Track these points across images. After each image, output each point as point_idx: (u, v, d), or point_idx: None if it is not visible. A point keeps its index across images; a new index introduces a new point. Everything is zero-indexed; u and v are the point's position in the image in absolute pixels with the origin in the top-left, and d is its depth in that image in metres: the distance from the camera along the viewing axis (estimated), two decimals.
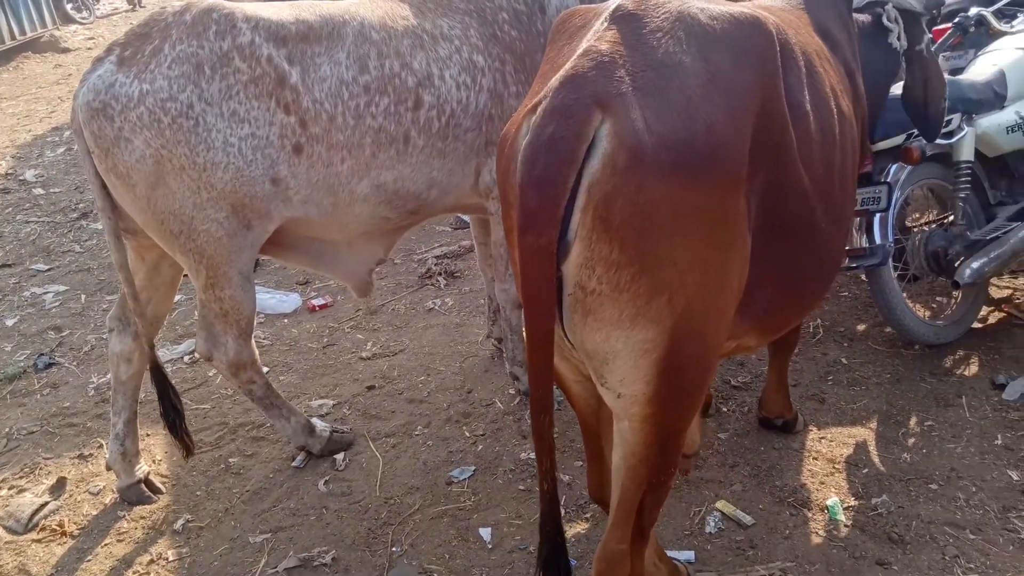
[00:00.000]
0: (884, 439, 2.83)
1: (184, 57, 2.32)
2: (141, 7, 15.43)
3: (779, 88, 1.72)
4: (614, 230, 1.46)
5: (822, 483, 2.66)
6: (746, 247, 1.65)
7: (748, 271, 1.68)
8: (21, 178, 6.70)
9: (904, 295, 3.21)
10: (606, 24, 1.60)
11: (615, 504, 1.78)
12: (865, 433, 2.87)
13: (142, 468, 2.93)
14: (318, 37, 2.46)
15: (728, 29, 1.65)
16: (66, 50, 12.30)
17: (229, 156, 2.35)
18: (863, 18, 2.61)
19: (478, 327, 3.85)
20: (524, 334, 1.61)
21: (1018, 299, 3.60)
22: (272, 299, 4.30)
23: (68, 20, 13.88)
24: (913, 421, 2.91)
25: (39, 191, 6.39)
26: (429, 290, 4.35)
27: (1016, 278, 3.75)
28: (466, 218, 4.99)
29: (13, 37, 11.51)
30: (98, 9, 15.13)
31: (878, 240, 3.02)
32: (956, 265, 3.13)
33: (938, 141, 3.07)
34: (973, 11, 3.46)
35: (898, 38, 2.62)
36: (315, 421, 3.05)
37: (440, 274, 4.45)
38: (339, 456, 3.02)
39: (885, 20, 2.60)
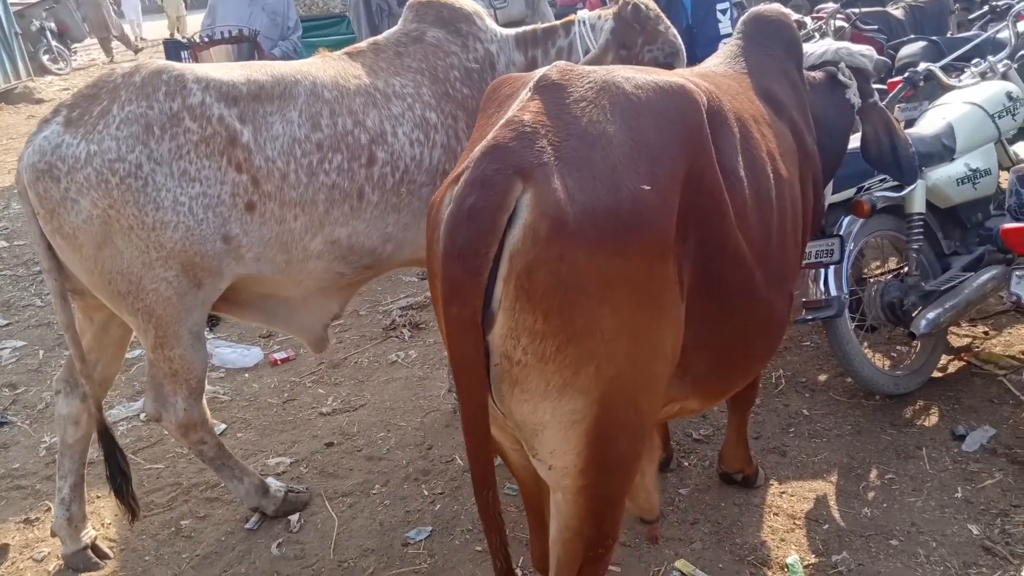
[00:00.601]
0: (845, 493, 2.81)
1: (133, 118, 2.31)
2: (115, 60, 15.52)
3: (709, 153, 1.72)
4: (537, 300, 1.44)
5: (783, 540, 2.62)
6: (678, 312, 1.64)
7: (683, 335, 1.66)
8: None
9: (863, 345, 3.22)
10: (530, 94, 1.60)
11: None
12: (826, 487, 2.85)
13: (89, 533, 2.84)
14: (270, 96, 2.47)
15: (652, 98, 1.67)
16: (40, 101, 12.32)
17: (179, 215, 2.33)
18: (816, 75, 2.67)
19: (440, 380, 3.81)
20: (459, 407, 1.58)
21: (977, 347, 3.62)
22: (233, 353, 4.24)
23: (44, 71, 13.95)
24: (874, 474, 2.89)
25: (2, 243, 6.32)
26: (393, 342, 4.31)
27: (975, 326, 3.78)
28: None
29: None
30: (74, 61, 15.22)
31: (833, 292, 3.04)
32: (913, 316, 3.15)
33: (889, 194, 3.12)
34: (922, 66, 3.55)
35: (854, 94, 2.68)
36: (270, 481, 2.98)
37: (404, 326, 4.42)
38: (294, 517, 2.95)
39: (841, 76, 2.66)
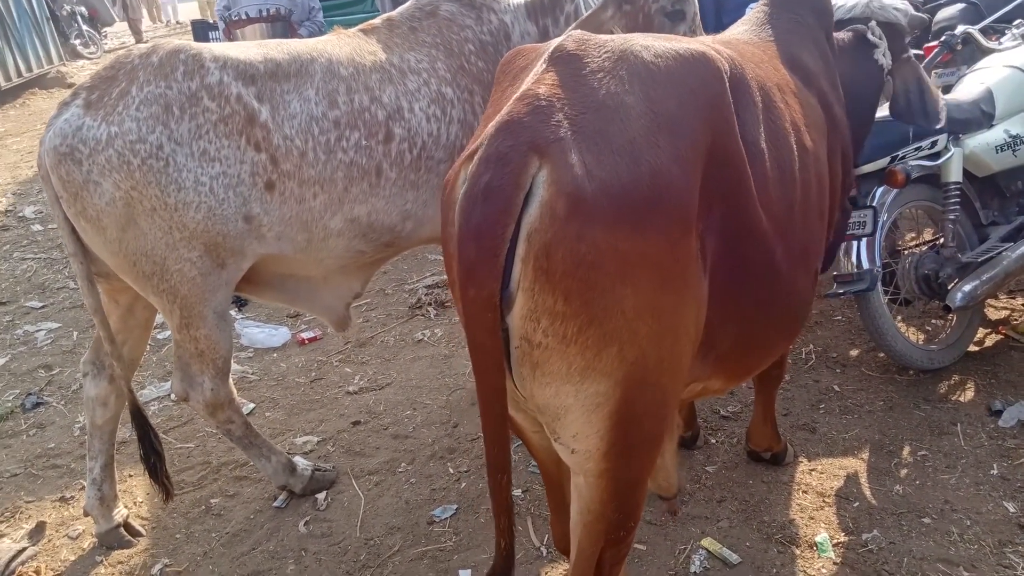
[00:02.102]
0: (876, 470, 2.75)
1: (152, 98, 2.30)
2: (146, 41, 15.63)
3: (731, 124, 1.66)
4: (557, 280, 1.40)
5: (811, 518, 2.58)
6: (701, 290, 1.59)
7: (706, 313, 1.61)
8: (20, 215, 6.74)
9: (896, 319, 3.14)
10: (545, 66, 1.55)
11: (573, 560, 1.72)
12: (857, 464, 2.79)
13: (120, 512, 2.89)
14: (287, 75, 2.45)
15: (673, 67, 1.60)
16: (72, 85, 12.44)
17: (200, 195, 2.33)
18: (844, 36, 2.56)
19: (466, 358, 3.80)
20: (476, 390, 1.55)
21: (1015, 320, 3.52)
22: (261, 333, 4.27)
23: (75, 56, 14.10)
24: (906, 451, 2.83)
25: (37, 228, 6.42)
26: (419, 321, 4.31)
27: (1014, 298, 3.67)
28: None
29: (20, 74, 11.66)
30: (105, 44, 15.36)
31: (865, 265, 2.96)
32: (948, 288, 3.06)
33: (924, 163, 3.02)
34: (960, 29, 3.42)
35: (883, 54, 2.58)
36: (297, 460, 3.01)
37: (430, 304, 4.41)
38: (321, 495, 2.97)
39: (870, 35, 2.56)
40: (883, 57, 2.58)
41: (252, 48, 2.50)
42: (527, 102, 1.48)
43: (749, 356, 1.95)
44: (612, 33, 2.64)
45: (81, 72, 13.19)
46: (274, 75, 2.43)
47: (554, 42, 1.64)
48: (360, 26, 2.78)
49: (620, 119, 1.49)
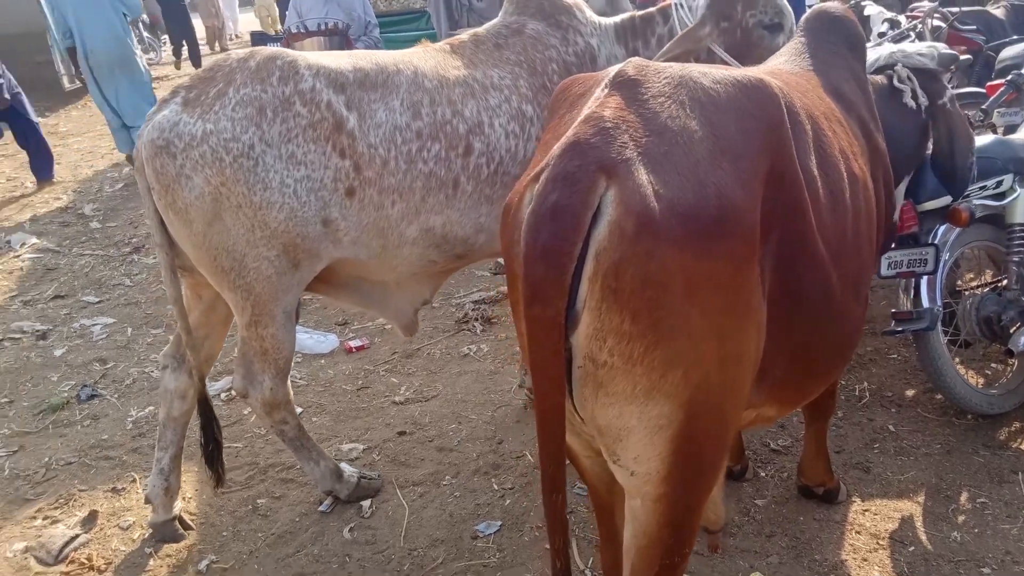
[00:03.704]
0: (933, 515, 2.69)
1: (248, 100, 2.38)
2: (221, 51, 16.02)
3: (790, 150, 1.67)
4: (625, 300, 1.41)
5: (865, 560, 2.53)
6: (762, 315, 1.59)
7: (764, 340, 1.61)
8: (80, 212, 6.94)
9: (955, 361, 3.08)
10: (607, 90, 1.57)
11: None
12: (912, 507, 2.74)
13: (178, 505, 2.95)
14: (374, 84, 2.51)
15: (732, 93, 1.62)
16: None
17: (284, 196, 2.39)
18: (880, 79, 2.59)
19: (512, 375, 3.81)
20: (534, 409, 1.55)
21: None
22: (310, 339, 4.33)
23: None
24: (964, 497, 2.76)
25: (96, 225, 6.60)
26: (465, 335, 4.33)
27: None
28: None
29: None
30: (164, 51, 15.79)
31: (925, 304, 2.91)
32: (1011, 332, 3.00)
33: (988, 203, 2.98)
34: None
35: (914, 97, 2.58)
36: (344, 466, 3.04)
37: (477, 319, 4.43)
38: (366, 503, 2.99)
39: (896, 81, 2.57)
40: (912, 100, 2.59)
41: (343, 57, 2.57)
42: (593, 124, 1.50)
43: (803, 383, 1.94)
44: (710, 50, 2.66)
45: None
46: (362, 84, 2.49)
47: (614, 68, 1.67)
48: (447, 40, 2.84)
49: (684, 142, 1.50)
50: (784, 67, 2.18)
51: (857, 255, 1.94)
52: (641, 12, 2.96)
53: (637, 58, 1.69)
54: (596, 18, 2.90)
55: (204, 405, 2.72)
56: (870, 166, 2.11)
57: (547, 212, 1.41)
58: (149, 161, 2.38)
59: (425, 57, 2.66)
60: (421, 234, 2.59)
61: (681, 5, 2.83)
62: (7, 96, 7.16)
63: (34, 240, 6.28)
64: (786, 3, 2.78)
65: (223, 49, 15.48)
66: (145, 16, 15.25)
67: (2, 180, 8.17)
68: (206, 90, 2.40)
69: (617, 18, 2.95)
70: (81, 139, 9.63)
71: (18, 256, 6.00)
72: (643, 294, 1.41)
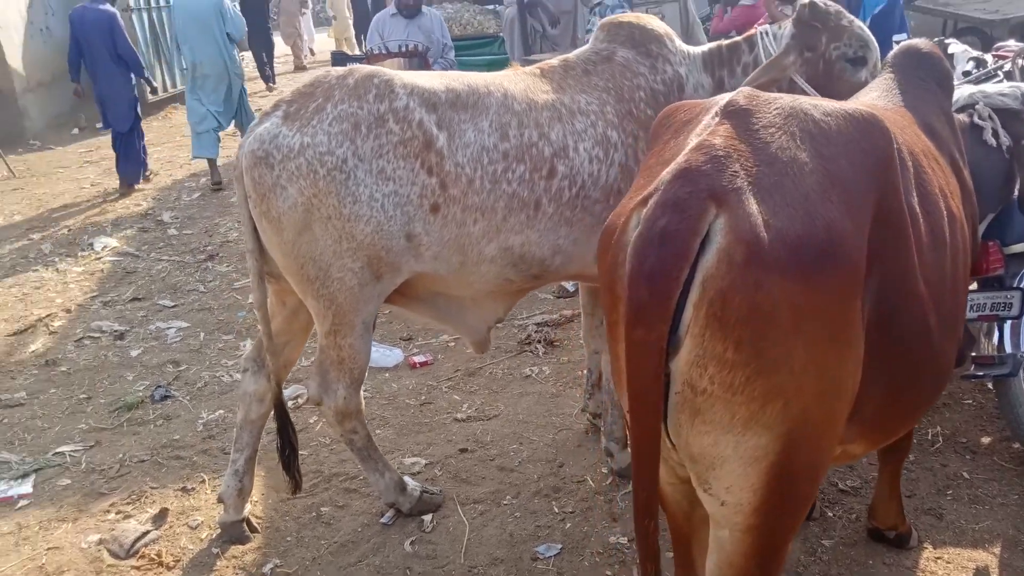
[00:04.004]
0: (1010, 568, 2.60)
1: (344, 116, 2.47)
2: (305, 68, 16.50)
3: (897, 187, 1.68)
4: (730, 328, 1.42)
5: None
6: (860, 350, 1.58)
7: (860, 375, 1.60)
8: (158, 218, 7.21)
9: None
10: (718, 119, 1.59)
11: None
12: (988, 558, 2.65)
13: (248, 508, 3.03)
14: (465, 105, 2.59)
15: (843, 126, 1.63)
16: None
17: (372, 210, 2.47)
18: (962, 118, 2.56)
19: (574, 399, 3.82)
20: (628, 433, 1.56)
21: None
22: (376, 352, 4.40)
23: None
24: None
25: (173, 232, 6.85)
26: (527, 356, 4.36)
27: None
28: (570, 287, 5.03)
29: (166, 89, 12.56)
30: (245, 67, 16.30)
31: (1008, 349, 2.83)
32: None
33: None
34: None
35: (995, 135, 2.54)
36: (407, 479, 3.08)
37: (539, 342, 4.46)
38: (427, 517, 3.03)
39: (977, 119, 2.54)
40: (993, 138, 2.55)
41: (436, 78, 2.65)
42: (705, 151, 1.52)
43: (892, 421, 1.91)
44: (792, 79, 2.67)
45: None
46: (454, 104, 2.57)
47: (724, 97, 1.69)
48: (538, 64, 2.91)
49: (794, 173, 1.52)
50: (878, 102, 2.17)
51: (954, 294, 1.92)
52: (728, 41, 2.98)
53: (748, 88, 1.71)
54: (685, 47, 2.93)
55: (280, 410, 2.81)
56: (963, 205, 2.09)
57: (655, 236, 1.44)
58: (248, 171, 2.48)
59: (515, 80, 2.73)
60: (500, 252, 2.64)
61: (766, 34, 2.84)
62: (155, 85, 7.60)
63: (115, 244, 6.55)
64: (872, 38, 2.76)
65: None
66: None
67: (87, 185, 8.55)
68: (306, 105, 2.50)
69: (704, 47, 2.97)
70: (161, 149, 10.02)
71: (99, 258, 6.27)
72: (748, 323, 1.41)
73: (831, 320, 1.49)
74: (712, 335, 1.43)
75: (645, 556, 1.62)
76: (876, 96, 2.27)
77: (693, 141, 1.59)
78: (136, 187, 8.16)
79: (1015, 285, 2.86)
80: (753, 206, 1.44)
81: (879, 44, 3.57)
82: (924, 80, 2.33)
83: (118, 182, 8.10)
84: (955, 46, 4.81)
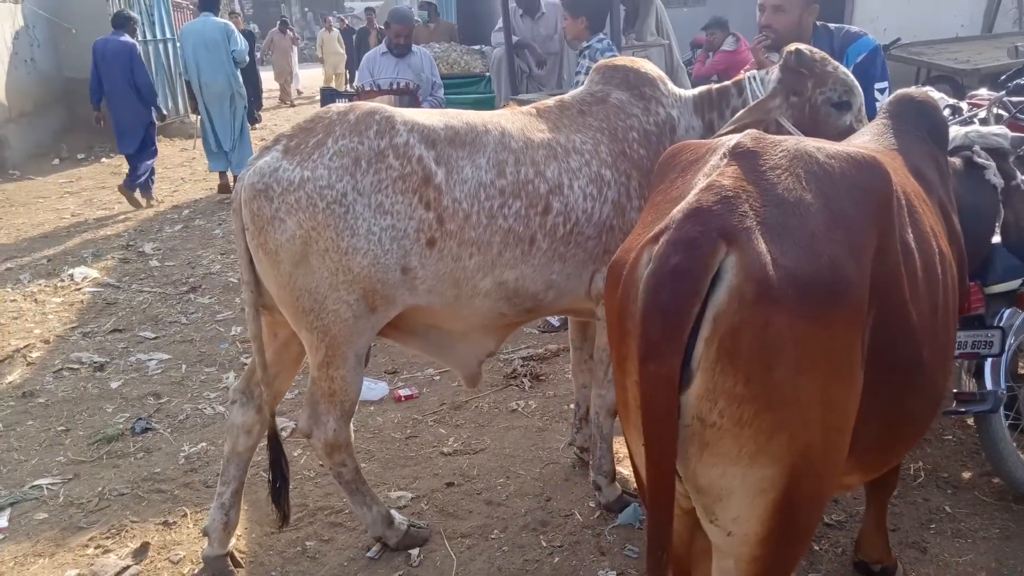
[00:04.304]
0: None
1: (345, 151, 2.51)
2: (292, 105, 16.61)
3: (894, 226, 1.74)
4: (740, 363, 1.46)
5: None
6: (860, 383, 1.63)
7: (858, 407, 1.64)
8: (140, 250, 7.17)
9: (1015, 446, 3.04)
10: (726, 160, 1.65)
11: None
12: None
13: (233, 542, 2.98)
14: (463, 142, 2.64)
15: (847, 168, 1.69)
16: (191, 136, 13.29)
17: (370, 243, 2.49)
18: (955, 161, 2.64)
19: (560, 433, 3.83)
20: (643, 468, 1.58)
21: None
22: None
23: (196, 109, 15.10)
24: None
25: (155, 263, 6.81)
26: (513, 391, 4.36)
27: None
28: (555, 322, 5.06)
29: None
30: None
31: (989, 386, 2.90)
32: None
33: None
34: None
35: (995, 174, 2.63)
36: (394, 513, 3.05)
37: (525, 376, 4.47)
38: (414, 551, 3.00)
39: (977, 159, 2.62)
40: (995, 177, 2.64)
41: (435, 115, 2.70)
42: (715, 192, 1.57)
43: (886, 452, 1.96)
44: (778, 122, 2.75)
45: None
46: (452, 141, 2.61)
47: (733, 138, 1.75)
48: (534, 104, 2.98)
49: (800, 214, 1.57)
50: (869, 145, 2.25)
51: (946, 331, 1.98)
52: (717, 85, 3.07)
53: (754, 130, 1.78)
54: (677, 90, 3.01)
55: (273, 441, 2.78)
56: (950, 246, 2.16)
57: (668, 273, 1.48)
58: (247, 203, 2.50)
59: (512, 119, 2.79)
60: (494, 287, 2.66)
61: (754, 79, 2.93)
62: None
63: (95, 274, 6.50)
64: (856, 83, 2.86)
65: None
66: None
67: (67, 215, 8.49)
68: (306, 140, 2.53)
69: (695, 91, 3.06)
70: None
71: (79, 289, 6.21)
72: (758, 358, 1.46)
73: (836, 355, 1.53)
74: (723, 370, 1.47)
75: None
76: (868, 139, 2.35)
77: (702, 182, 1.63)
78: (151, 202, 8.81)
79: (995, 324, 2.93)
80: (762, 245, 1.49)
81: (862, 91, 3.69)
82: (917, 127, 2.41)
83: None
84: (931, 93, 4.98)
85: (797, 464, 1.51)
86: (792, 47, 2.79)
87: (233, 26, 8.92)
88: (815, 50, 2.83)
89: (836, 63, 2.84)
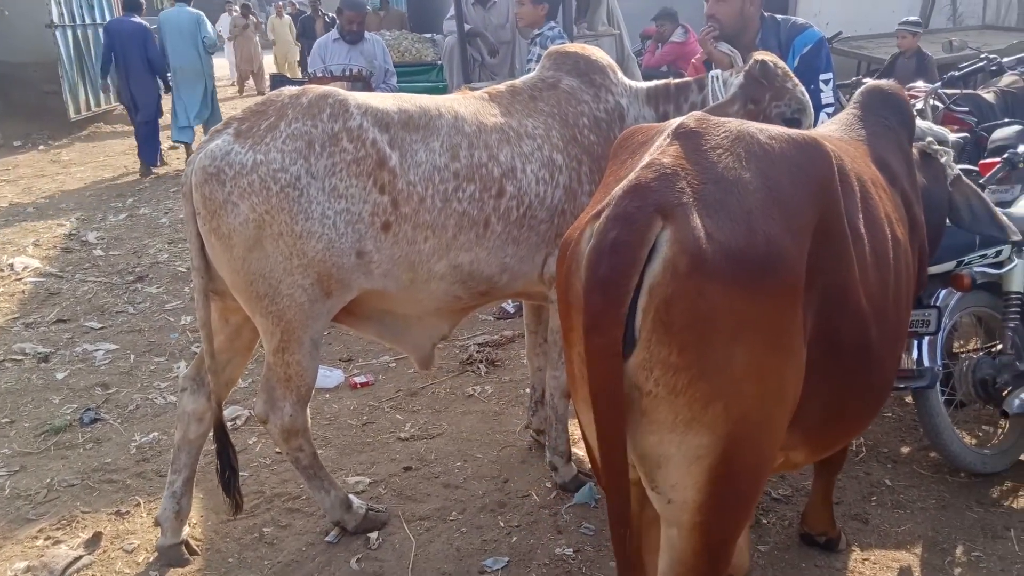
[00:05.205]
0: (930, 566, 2.76)
1: (298, 134, 2.49)
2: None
3: (839, 207, 1.79)
4: (674, 333, 1.51)
5: None
6: (802, 358, 1.68)
7: (803, 383, 1.70)
8: (83, 239, 6.98)
9: (951, 421, 3.19)
10: (669, 140, 1.70)
11: None
12: (910, 559, 2.81)
13: (186, 530, 2.95)
14: (416, 126, 2.64)
15: (787, 149, 1.75)
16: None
17: (324, 227, 2.48)
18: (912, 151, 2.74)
19: (517, 417, 3.87)
20: (594, 441, 1.63)
21: None
22: None
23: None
24: (960, 550, 2.84)
25: (99, 252, 6.64)
26: (469, 376, 4.40)
27: None
28: (509, 308, 5.10)
29: (89, 108, 12.23)
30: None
31: (926, 363, 3.03)
32: (1004, 394, 3.12)
33: (988, 271, 3.13)
34: (1022, 148, 3.58)
35: (950, 165, 2.74)
36: (352, 498, 3.06)
37: (481, 362, 4.50)
38: (373, 535, 3.01)
39: (932, 148, 2.73)
40: (950, 168, 2.75)
41: (388, 99, 2.70)
42: (654, 169, 1.63)
43: (833, 431, 2.02)
44: None
45: None
46: (406, 125, 2.62)
47: (677, 120, 1.80)
48: (486, 89, 2.99)
49: (738, 191, 1.62)
50: (835, 134, 2.33)
51: (896, 313, 2.04)
52: (678, 80, 3.14)
53: (699, 112, 1.82)
54: (628, 81, 3.07)
55: (220, 431, 2.75)
56: (909, 236, 2.24)
57: (607, 247, 1.53)
58: (198, 187, 2.47)
59: (465, 104, 2.81)
60: (449, 270, 2.69)
61: (717, 78, 3.01)
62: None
63: (36, 264, 6.30)
64: (809, 104, 2.95)
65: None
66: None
67: (4, 204, 8.21)
68: (258, 123, 2.51)
69: (651, 83, 3.12)
70: (84, 168, 9.72)
71: (20, 279, 6.02)
72: (691, 329, 1.51)
73: (770, 328, 1.59)
74: (658, 340, 1.52)
75: (623, 567, 1.68)
76: (836, 128, 2.43)
77: (645, 160, 1.69)
78: (154, 170, 9.62)
79: (932, 304, 3.07)
80: (697, 220, 1.55)
81: (806, 82, 3.80)
82: (886, 118, 2.49)
83: (139, 167, 9.66)
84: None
85: (733, 433, 1.57)
86: (759, 57, 2.87)
87: (203, 16, 10.02)
88: (780, 64, 2.92)
89: (796, 81, 2.93)
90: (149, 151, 9.74)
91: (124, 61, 9.44)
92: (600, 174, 2.80)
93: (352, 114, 2.55)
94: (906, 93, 2.67)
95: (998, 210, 2.81)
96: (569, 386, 1.83)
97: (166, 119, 10.44)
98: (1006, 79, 5.73)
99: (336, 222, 2.49)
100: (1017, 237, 2.83)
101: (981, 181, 3.78)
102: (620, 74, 3.06)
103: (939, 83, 5.10)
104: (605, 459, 1.59)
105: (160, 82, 9.74)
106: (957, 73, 5.40)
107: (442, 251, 2.64)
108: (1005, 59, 5.89)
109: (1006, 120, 4.95)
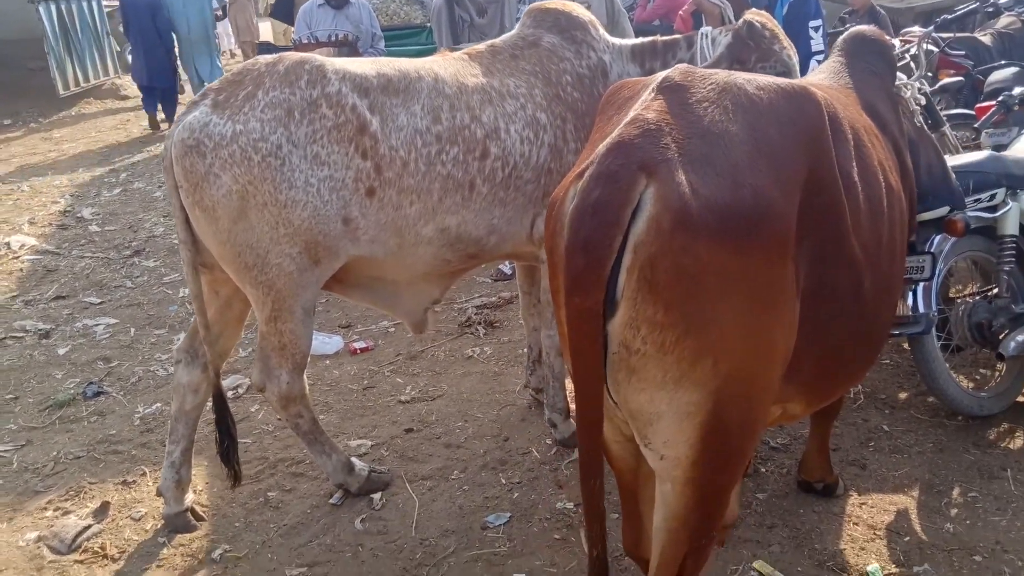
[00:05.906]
0: (927, 508, 2.80)
1: (277, 102, 2.46)
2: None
3: (830, 156, 1.77)
4: (659, 291, 1.49)
5: (862, 549, 2.63)
6: (794, 312, 1.67)
7: (796, 336, 1.69)
8: (78, 215, 6.96)
9: (947, 365, 3.20)
10: (653, 94, 1.67)
11: (655, 566, 1.77)
12: (907, 501, 2.84)
13: (190, 497, 2.99)
14: (396, 90, 2.61)
15: (775, 99, 1.72)
16: (125, 97, 12.84)
17: (308, 195, 2.47)
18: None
19: (516, 377, 3.89)
20: (574, 395, 1.63)
21: None
22: (315, 340, 4.36)
23: (128, 69, 14.52)
24: (956, 492, 2.88)
25: (95, 228, 6.62)
26: (468, 338, 4.41)
27: None
28: (506, 270, 5.10)
29: (77, 83, 12.08)
30: None
31: (921, 308, 3.04)
32: (1000, 337, 3.13)
33: (982, 215, 3.11)
34: (1017, 90, 3.55)
35: (919, 118, 2.72)
36: (354, 460, 3.10)
37: (480, 323, 4.52)
38: (376, 496, 3.05)
39: (913, 103, 2.71)
40: (920, 119, 2.73)
41: (367, 63, 2.67)
42: (637, 125, 1.60)
43: (830, 382, 2.03)
44: None
45: (133, 85, 13.54)
46: (385, 89, 2.59)
47: (662, 73, 1.77)
48: (465, 50, 2.95)
49: (724, 145, 1.59)
50: (824, 82, 2.29)
51: (891, 261, 2.03)
52: (666, 37, 3.09)
53: (685, 64, 1.79)
54: (609, 37, 3.02)
55: (219, 401, 2.77)
56: (901, 181, 2.22)
57: (589, 207, 1.51)
58: (179, 160, 2.45)
59: (445, 65, 2.77)
60: (437, 234, 2.68)
61: (706, 36, 2.96)
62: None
63: (33, 242, 6.30)
64: (796, 67, 2.91)
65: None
66: None
67: None
68: (235, 93, 2.48)
69: (637, 40, 3.08)
70: (76, 144, 9.65)
71: (17, 257, 6.02)
72: (677, 286, 1.49)
73: (759, 283, 1.57)
74: (644, 298, 1.50)
75: (591, 516, 1.69)
76: (823, 77, 2.40)
77: (629, 116, 1.66)
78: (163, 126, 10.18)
79: (927, 250, 3.06)
80: (682, 176, 1.52)
81: (795, 30, 3.75)
82: (871, 64, 2.45)
83: (148, 121, 10.55)
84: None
85: (722, 389, 1.56)
86: (749, 17, 2.83)
87: None
88: (769, 25, 2.87)
89: (785, 44, 2.88)
90: (171, 109, 10.29)
91: (139, 32, 9.88)
92: (585, 131, 2.77)
93: (330, 80, 2.51)
94: (888, 39, 2.63)
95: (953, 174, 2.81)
96: (560, 344, 1.83)
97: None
98: (1003, 20, 5.65)
99: (320, 189, 2.47)
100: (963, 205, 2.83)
101: (976, 125, 3.77)
102: (601, 30, 3.02)
103: (932, 27, 5.02)
104: (581, 413, 1.60)
105: (167, 52, 10.11)
106: (950, 16, 5.31)
107: (428, 215, 2.63)
108: (1002, 0, 5.80)
109: (1003, 62, 4.90)
